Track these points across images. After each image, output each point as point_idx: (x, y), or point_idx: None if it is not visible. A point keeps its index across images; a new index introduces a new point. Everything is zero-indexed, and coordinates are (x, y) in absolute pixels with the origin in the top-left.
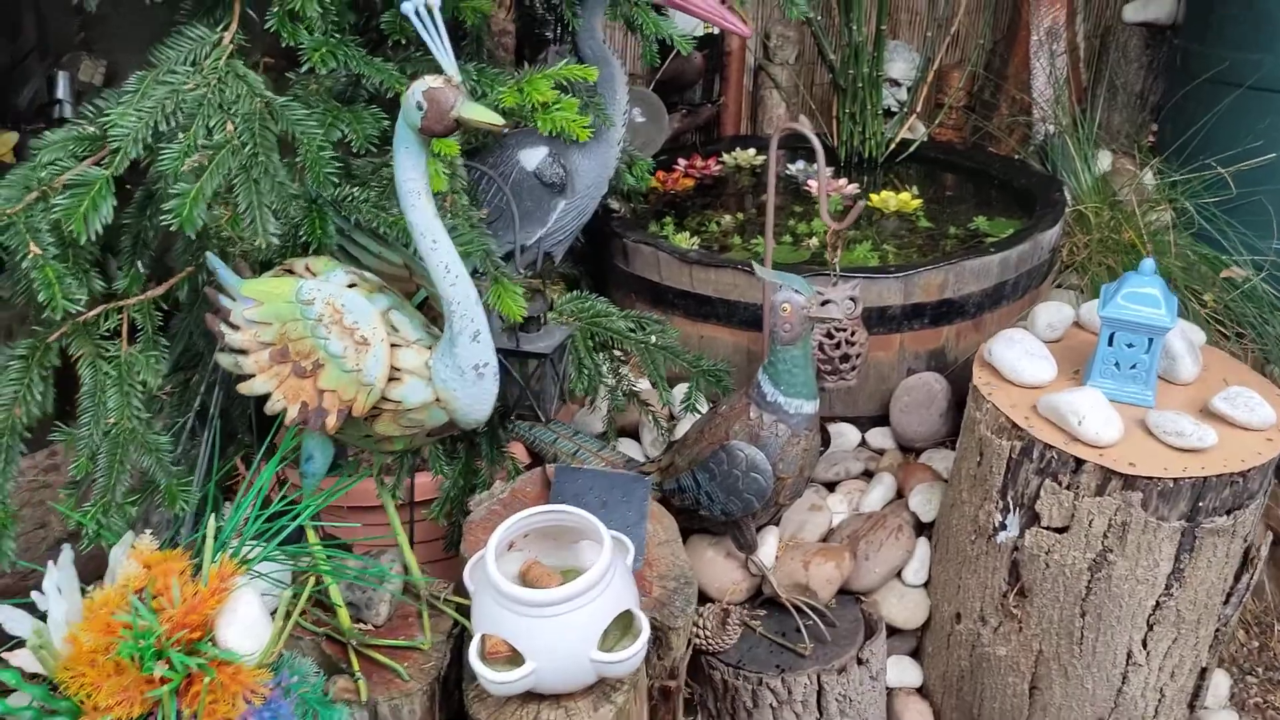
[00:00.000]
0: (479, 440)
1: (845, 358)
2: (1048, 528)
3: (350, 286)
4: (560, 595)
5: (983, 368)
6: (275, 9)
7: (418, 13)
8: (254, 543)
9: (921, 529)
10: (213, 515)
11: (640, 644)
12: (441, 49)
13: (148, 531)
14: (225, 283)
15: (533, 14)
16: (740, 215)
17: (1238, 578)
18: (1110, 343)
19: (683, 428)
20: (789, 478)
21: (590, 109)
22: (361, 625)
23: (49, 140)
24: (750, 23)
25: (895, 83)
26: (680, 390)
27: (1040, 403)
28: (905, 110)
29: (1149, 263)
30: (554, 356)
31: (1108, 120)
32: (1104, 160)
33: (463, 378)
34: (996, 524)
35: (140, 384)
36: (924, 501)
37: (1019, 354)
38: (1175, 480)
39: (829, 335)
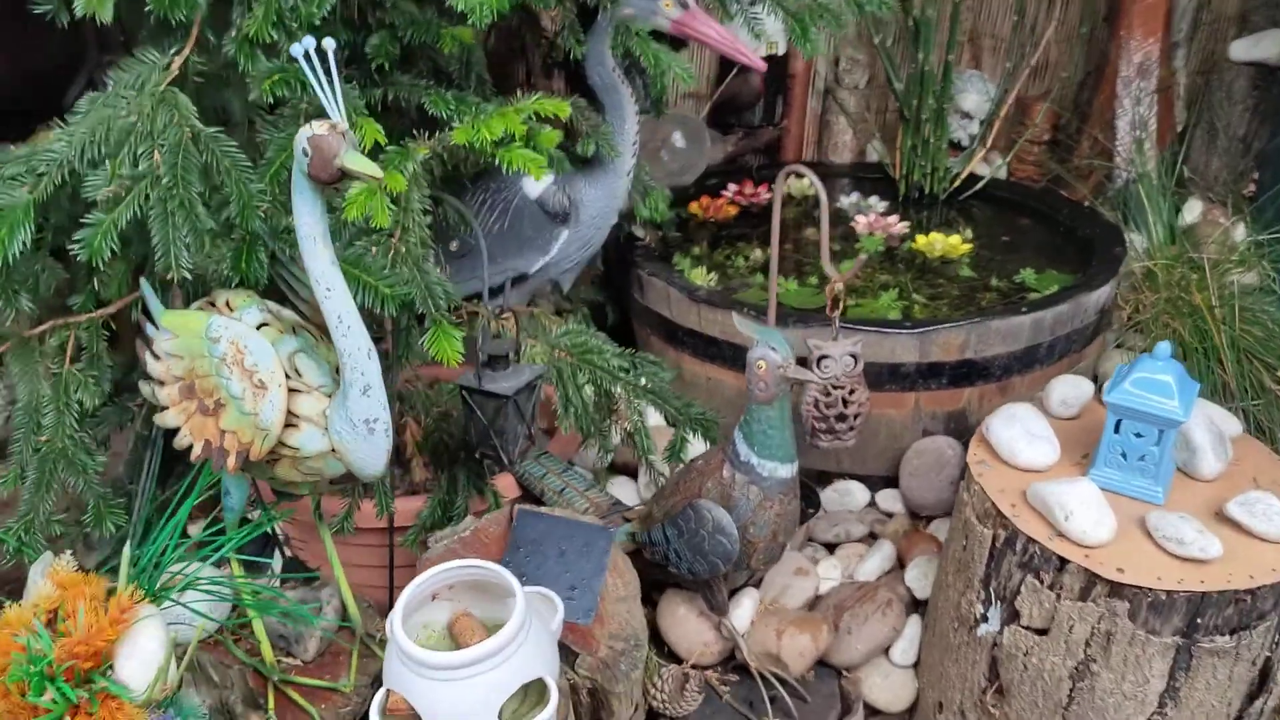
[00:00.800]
0: (458, 471)
1: (842, 417)
2: (1027, 627)
3: (261, 326)
4: (459, 659)
5: (980, 444)
6: (233, 34)
7: (306, 55)
8: (174, 571)
9: (916, 605)
10: (129, 543)
11: (547, 715)
12: (328, 93)
13: (68, 553)
14: (151, 310)
15: (520, 43)
16: None
17: (1251, 699)
18: (1117, 430)
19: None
20: (760, 542)
21: (594, 139)
22: (290, 660)
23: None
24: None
25: (966, 115)
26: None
27: (1030, 490)
28: (974, 145)
29: (1165, 346)
30: (519, 397)
31: (1205, 166)
32: (1193, 210)
33: (354, 431)
34: (978, 615)
35: (77, 403)
36: (921, 576)
37: (1018, 433)
38: (1169, 593)
39: (825, 392)
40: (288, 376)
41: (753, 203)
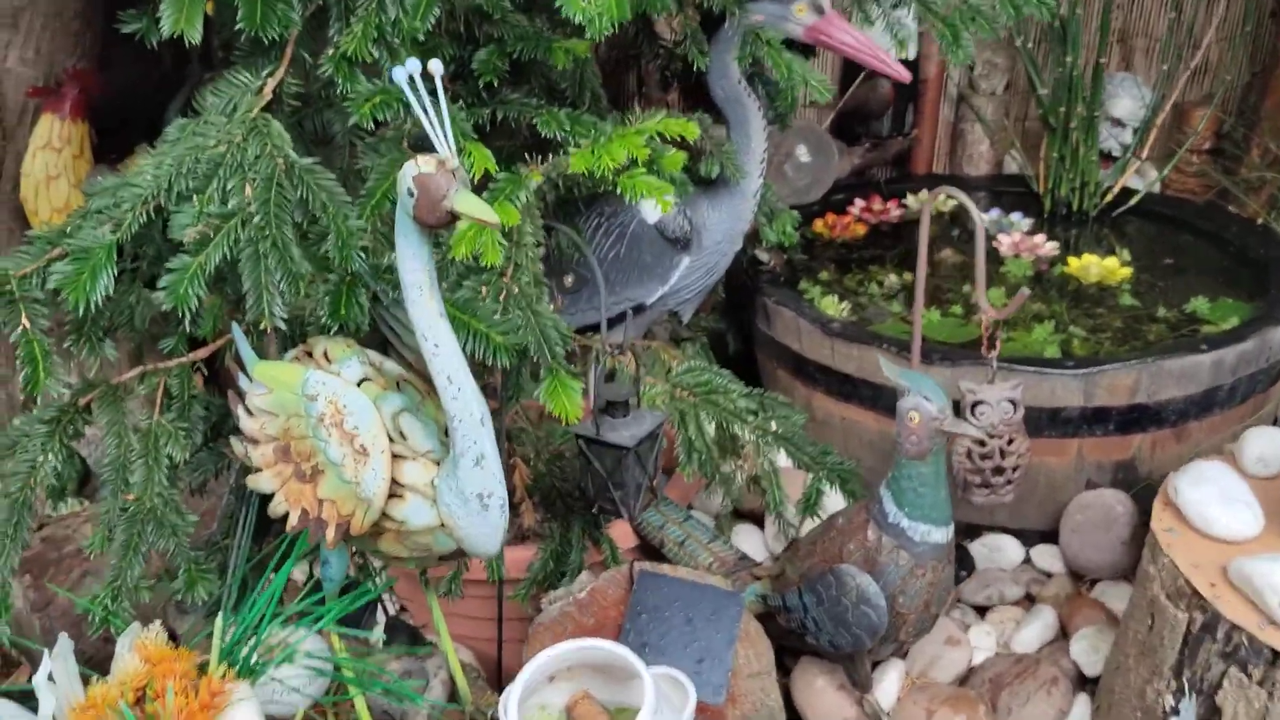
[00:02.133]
0: (572, 518)
1: (999, 470)
2: None
3: (362, 382)
4: None
5: (1165, 508)
6: (330, 53)
7: (410, 79)
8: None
9: (1084, 683)
10: (221, 614)
11: None
12: (436, 126)
13: (157, 622)
14: (244, 359)
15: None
16: (910, 275)
17: None
18: None
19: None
20: (910, 614)
21: (718, 158)
22: None
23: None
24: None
25: (1119, 123)
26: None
27: (1232, 567)
28: (1128, 156)
29: None
30: (640, 448)
31: None
32: None
33: (466, 505)
34: (1167, 706)
35: (167, 458)
36: (1089, 649)
37: (1211, 496)
38: None
39: (980, 443)
40: (391, 440)
41: (882, 220)
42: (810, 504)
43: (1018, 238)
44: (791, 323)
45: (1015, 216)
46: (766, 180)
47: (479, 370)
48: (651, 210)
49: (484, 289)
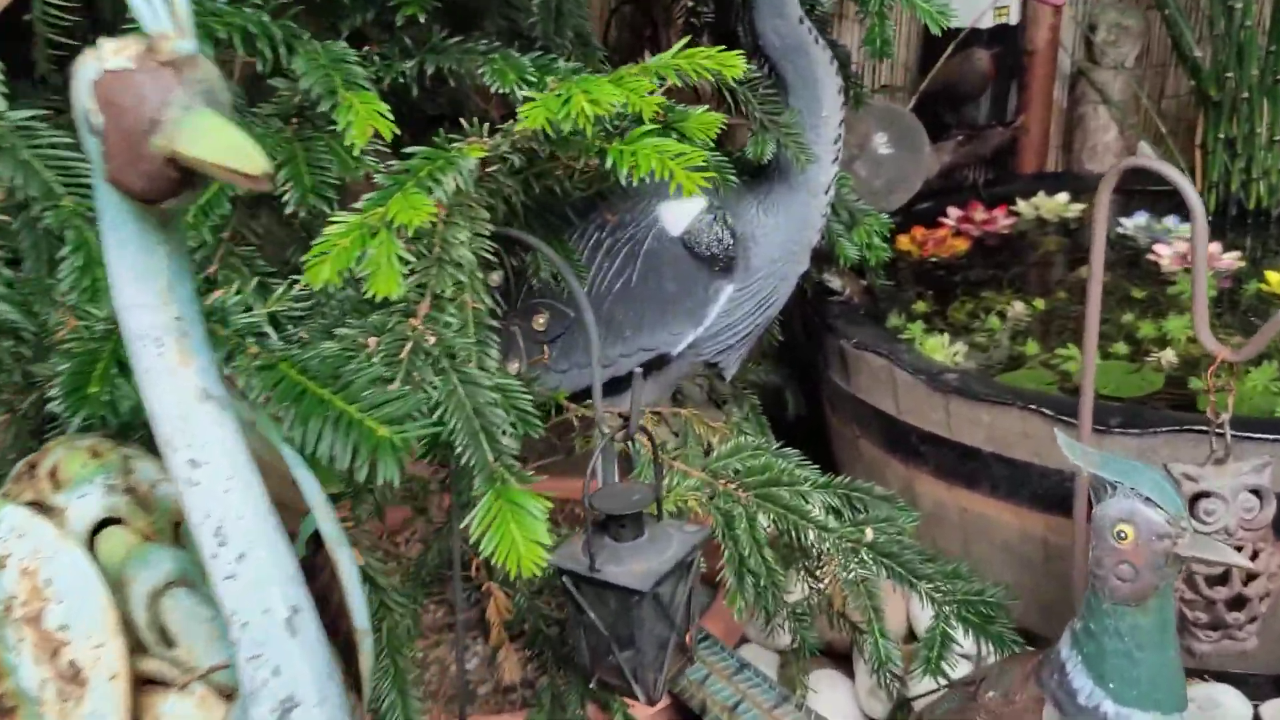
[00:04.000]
0: (570, 673)
1: (1239, 602)
2: None
3: (102, 527)
4: None
5: None
6: None
7: None
8: None
9: None
10: None
11: None
12: None
13: None
14: None
15: None
16: (1041, 302)
17: None
18: None
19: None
20: None
21: (771, 134)
22: None
23: None
24: (1066, 5)
25: None
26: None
27: None
28: None
29: None
30: (661, 589)
31: None
32: None
33: None
34: None
35: None
36: None
37: None
38: None
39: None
40: (143, 650)
41: (987, 232)
42: (933, 660)
43: (1183, 248)
44: (883, 374)
45: (1171, 221)
46: (843, 172)
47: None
48: (677, 215)
49: (370, 340)
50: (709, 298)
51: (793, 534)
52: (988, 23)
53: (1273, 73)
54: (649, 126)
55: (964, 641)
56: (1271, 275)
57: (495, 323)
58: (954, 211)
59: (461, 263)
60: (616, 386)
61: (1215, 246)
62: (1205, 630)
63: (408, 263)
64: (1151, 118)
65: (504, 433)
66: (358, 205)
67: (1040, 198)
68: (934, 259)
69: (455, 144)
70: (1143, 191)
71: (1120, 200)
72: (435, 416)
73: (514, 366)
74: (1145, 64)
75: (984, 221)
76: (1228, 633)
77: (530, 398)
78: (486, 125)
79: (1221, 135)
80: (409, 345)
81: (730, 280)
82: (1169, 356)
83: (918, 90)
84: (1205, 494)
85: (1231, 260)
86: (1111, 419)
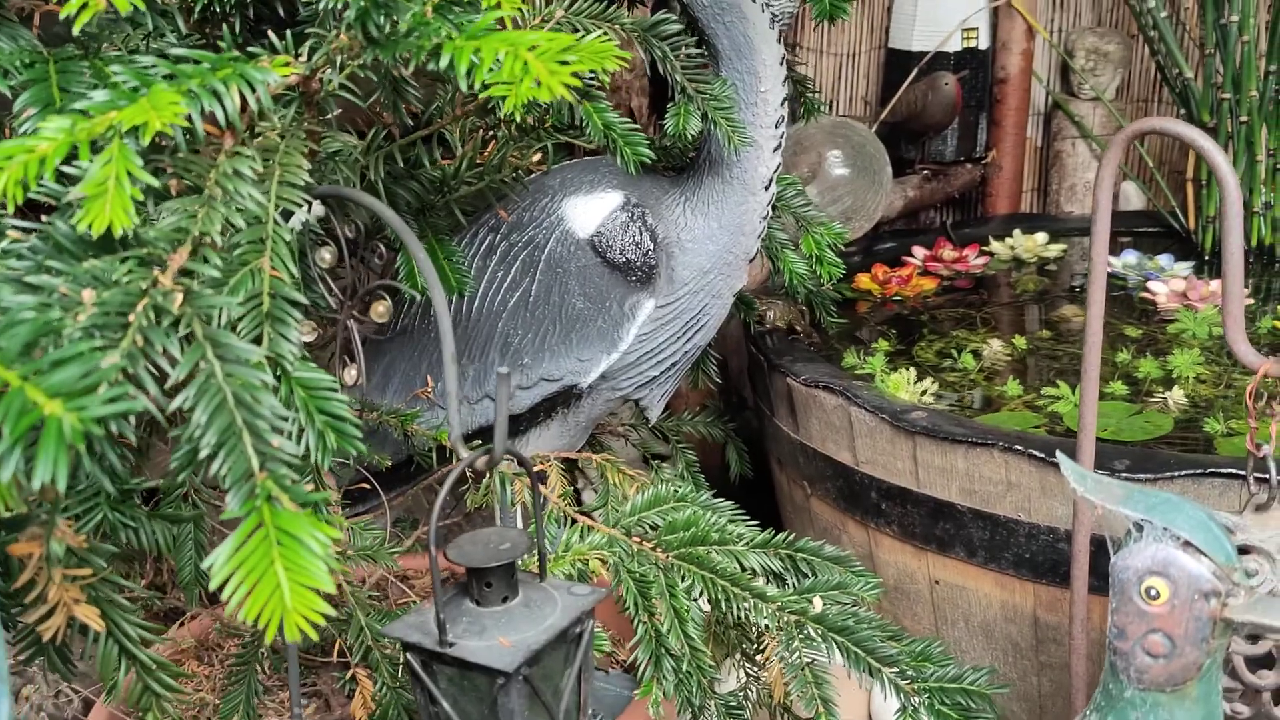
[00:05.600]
0: None
1: None
2: None
3: None
4: None
5: None
6: None
7: None
8: None
9: None
10: None
11: None
12: None
13: None
14: None
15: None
16: (1023, 340)
17: None
18: None
19: None
20: None
21: (697, 105)
22: None
23: None
24: (1042, 31)
25: None
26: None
27: None
28: None
29: None
30: (535, 670)
31: None
32: None
33: None
34: None
35: None
36: None
37: None
38: None
39: (1254, 636)
40: None
41: (958, 271)
42: None
43: (1183, 284)
44: (838, 416)
45: (1165, 260)
46: (787, 174)
47: None
48: (585, 214)
49: (85, 295)
50: (625, 315)
51: (723, 605)
52: (954, 46)
53: (1274, 96)
54: (496, 12)
55: None
56: None
57: (301, 298)
58: (920, 251)
59: (248, 208)
60: (517, 425)
61: (1218, 283)
62: None
63: (157, 195)
64: (1135, 154)
65: (278, 431)
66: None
67: (1016, 236)
68: (898, 298)
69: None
70: (1130, 234)
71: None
72: (204, 406)
73: (351, 374)
74: (1126, 98)
75: (954, 260)
76: None
77: (346, 402)
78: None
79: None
80: (143, 303)
81: (650, 294)
82: (1176, 397)
83: (879, 118)
84: (1244, 549)
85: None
86: (1116, 462)
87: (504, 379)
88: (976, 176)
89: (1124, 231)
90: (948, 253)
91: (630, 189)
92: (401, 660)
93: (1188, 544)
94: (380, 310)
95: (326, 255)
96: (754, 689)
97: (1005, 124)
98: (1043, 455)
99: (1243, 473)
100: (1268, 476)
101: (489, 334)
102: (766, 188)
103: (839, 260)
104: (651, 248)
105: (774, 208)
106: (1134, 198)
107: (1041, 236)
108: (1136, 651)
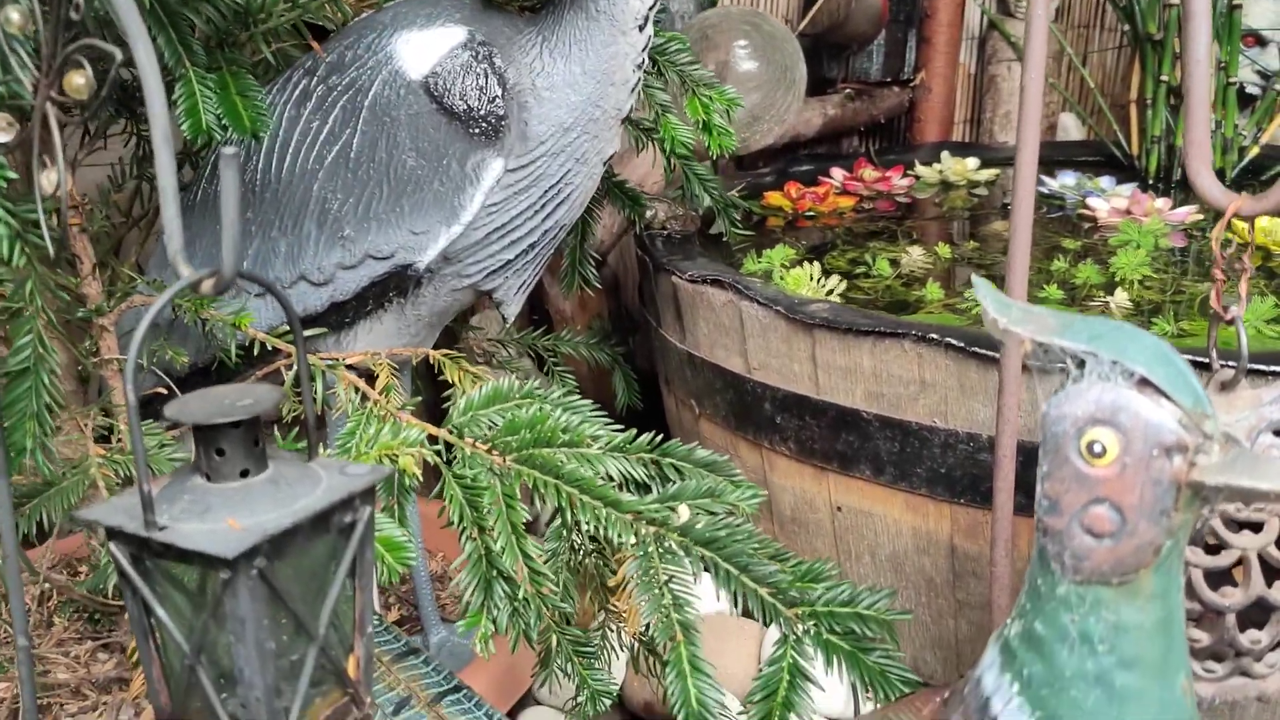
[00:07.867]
0: None
1: (1265, 610)
2: None
3: None
4: None
5: None
6: None
7: None
8: None
9: None
10: None
11: None
12: None
13: None
14: None
15: None
16: (947, 249)
17: None
18: None
19: None
20: None
21: None
22: None
23: None
24: None
25: (1258, 39)
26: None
27: None
28: (1275, 89)
29: None
30: (277, 564)
31: None
32: None
33: None
34: None
35: None
36: None
37: None
38: None
39: (1210, 544)
40: None
41: (881, 192)
42: (777, 709)
43: (1122, 203)
44: (729, 315)
45: (1106, 182)
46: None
47: None
48: (419, 51)
49: None
50: (467, 177)
51: (569, 515)
52: None
53: (1224, 8)
54: None
55: (827, 678)
56: (1239, 225)
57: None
58: (839, 172)
59: None
60: (342, 316)
61: (1164, 201)
62: (1207, 661)
63: None
64: (1076, 78)
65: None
66: None
67: (945, 159)
68: (811, 213)
69: None
70: (1066, 162)
71: (1045, 170)
72: None
73: (50, 179)
74: (1066, 24)
75: (876, 180)
76: (1239, 664)
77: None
78: None
79: (1165, 79)
80: None
81: (499, 152)
82: (1120, 300)
83: (796, 33)
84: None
85: (1188, 213)
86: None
87: (230, 159)
88: (904, 100)
89: (1063, 162)
90: (869, 173)
91: (477, 24)
92: (106, 556)
93: (1144, 382)
94: (77, 83)
95: (14, 16)
96: (614, 626)
97: (936, 41)
98: (962, 344)
99: (1205, 360)
100: (1239, 367)
101: (303, 199)
102: (641, 28)
103: (730, 129)
104: (499, 94)
105: (654, 61)
106: (1073, 129)
107: (973, 161)
108: (1073, 530)
